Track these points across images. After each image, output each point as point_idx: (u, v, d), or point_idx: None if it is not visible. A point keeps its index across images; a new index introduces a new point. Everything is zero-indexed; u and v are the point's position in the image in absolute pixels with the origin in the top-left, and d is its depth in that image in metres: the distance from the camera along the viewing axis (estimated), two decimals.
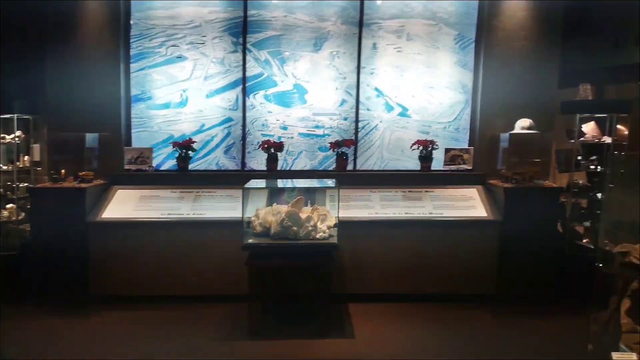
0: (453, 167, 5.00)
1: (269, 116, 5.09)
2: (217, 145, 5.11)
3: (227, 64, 5.01)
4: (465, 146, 5.12)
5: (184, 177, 4.84)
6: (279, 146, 4.85)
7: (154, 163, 4.94)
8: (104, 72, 4.80)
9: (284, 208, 3.89)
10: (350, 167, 5.07)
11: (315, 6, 4.96)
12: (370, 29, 5.00)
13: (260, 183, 4.43)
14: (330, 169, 5.09)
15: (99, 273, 4.32)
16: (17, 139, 4.51)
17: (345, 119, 5.10)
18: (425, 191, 4.83)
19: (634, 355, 2.21)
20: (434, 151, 4.95)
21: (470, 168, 5.01)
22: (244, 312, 3.88)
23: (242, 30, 4.95)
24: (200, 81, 5.00)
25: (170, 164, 5.03)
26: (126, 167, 4.85)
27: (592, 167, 4.60)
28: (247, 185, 4.05)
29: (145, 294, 4.36)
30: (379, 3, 4.97)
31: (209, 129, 5.06)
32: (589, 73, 5.72)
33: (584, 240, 4.70)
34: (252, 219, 3.97)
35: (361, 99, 5.07)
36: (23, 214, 4.59)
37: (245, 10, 4.92)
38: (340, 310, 4.25)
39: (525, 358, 3.45)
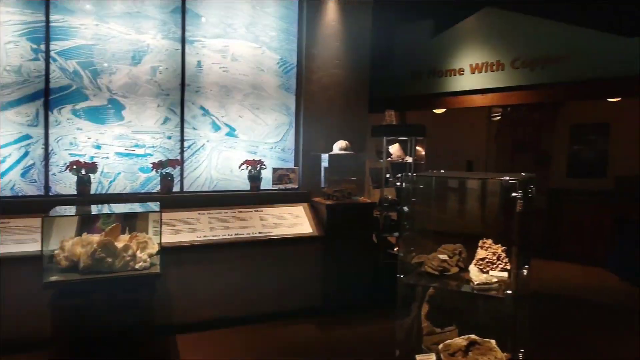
0: (281, 186, 5.12)
1: (79, 133, 4.52)
2: (12, 167, 4.32)
3: (26, 74, 4.31)
4: (292, 166, 5.30)
5: None
6: (91, 167, 4.33)
7: None
8: None
9: (95, 238, 3.45)
10: (176, 188, 4.80)
11: (132, 17, 4.62)
12: (193, 46, 4.86)
13: (69, 210, 3.87)
14: (154, 191, 4.74)
15: None
16: None
17: (169, 137, 4.83)
18: (255, 210, 4.84)
19: (433, 356, 2.50)
20: (262, 171, 5.00)
21: (297, 187, 5.20)
22: None
23: (44, 36, 4.33)
24: None
25: None
26: None
27: (398, 183, 5.21)
28: (51, 213, 3.49)
29: None
30: (203, 20, 4.88)
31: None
32: (393, 100, 6.53)
33: (395, 249, 5.25)
34: (56, 252, 3.43)
35: (186, 117, 4.87)
36: None
37: (47, 14, 4.32)
38: (166, 343, 3.93)
39: None
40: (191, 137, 4.92)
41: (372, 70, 6.15)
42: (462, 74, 6.16)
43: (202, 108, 4.94)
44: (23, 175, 4.35)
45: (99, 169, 4.47)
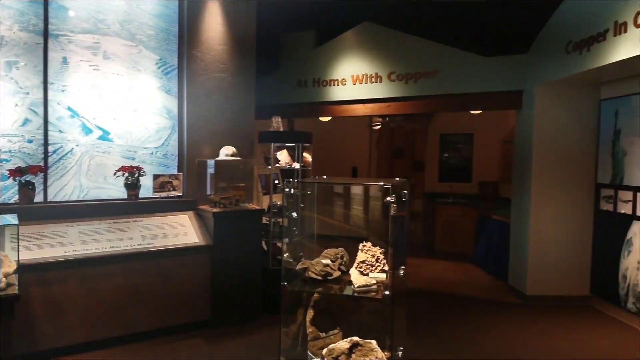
0: (163, 194, 4.84)
1: None
2: None
3: None
4: (175, 172, 5.05)
5: None
6: None
7: None
8: None
9: None
10: (39, 198, 4.28)
11: None
12: (58, 40, 4.40)
13: None
14: (12, 201, 4.18)
15: None
16: None
17: (30, 141, 4.30)
18: (134, 221, 4.51)
19: None
20: (141, 178, 4.68)
21: (181, 194, 4.96)
22: None
23: None
24: None
25: None
26: None
27: (287, 189, 5.23)
28: None
29: None
30: (71, 14, 4.44)
31: None
32: (280, 107, 6.57)
33: (285, 255, 5.25)
34: None
35: (51, 119, 4.38)
36: None
37: None
38: None
39: None
40: (57, 140, 4.43)
41: (259, 76, 6.12)
42: (345, 84, 6.41)
43: (70, 109, 4.48)
44: None
45: None
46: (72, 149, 4.51)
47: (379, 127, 8.57)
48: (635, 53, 3.80)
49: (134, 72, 4.80)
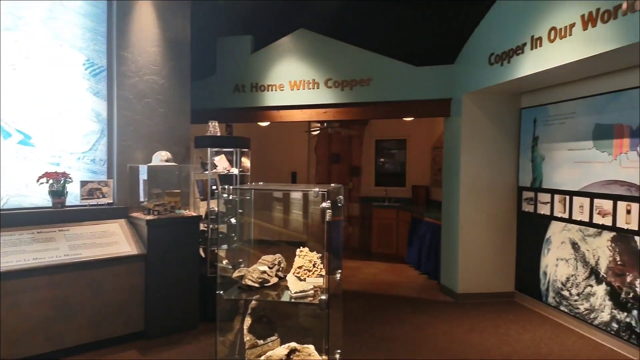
0: (92, 202, 4.61)
1: None
2: None
3: None
4: (105, 178, 4.82)
5: None
6: None
7: None
8: None
9: None
10: None
11: None
12: None
13: None
14: None
15: None
16: None
17: None
18: (60, 230, 4.26)
19: None
20: (67, 185, 4.43)
21: (111, 201, 4.75)
22: None
23: None
24: None
25: None
26: None
27: (225, 195, 5.16)
28: None
29: None
30: None
31: None
32: (218, 112, 6.48)
33: (224, 262, 5.17)
34: None
35: None
36: None
37: None
38: None
39: None
40: None
41: (195, 80, 6.00)
42: (283, 90, 6.44)
43: None
44: None
45: None
46: None
47: (317, 132, 8.67)
48: (549, 66, 4.14)
49: (58, 73, 4.54)
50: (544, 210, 5.27)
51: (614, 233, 4.27)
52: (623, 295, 4.16)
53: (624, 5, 3.27)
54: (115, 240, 4.44)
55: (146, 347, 4.22)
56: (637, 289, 4.00)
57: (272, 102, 6.49)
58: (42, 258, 3.92)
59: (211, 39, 6.76)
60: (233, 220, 5.14)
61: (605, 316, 4.37)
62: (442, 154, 6.53)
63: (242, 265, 2.90)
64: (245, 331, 2.65)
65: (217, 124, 5.21)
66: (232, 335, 2.76)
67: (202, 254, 5.07)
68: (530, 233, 5.53)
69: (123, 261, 4.31)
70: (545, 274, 5.26)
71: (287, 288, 2.58)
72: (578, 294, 4.73)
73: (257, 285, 2.56)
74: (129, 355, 4.06)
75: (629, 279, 4.10)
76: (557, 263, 5.05)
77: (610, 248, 4.32)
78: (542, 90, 5.34)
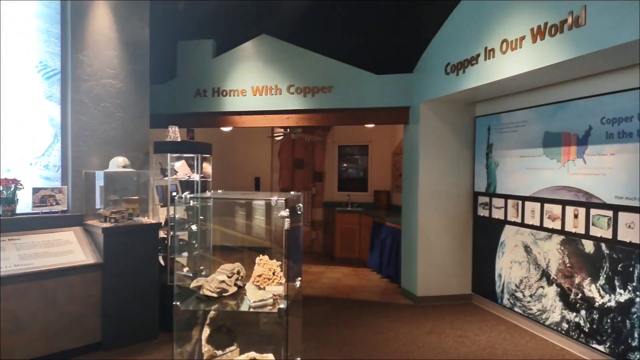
0: (44, 209, 4.44)
1: None
2: None
3: None
4: (59, 185, 4.66)
5: None
6: None
7: None
8: None
9: None
10: None
11: None
12: None
13: None
14: None
15: None
16: None
17: None
18: (10, 239, 4.08)
19: None
20: (18, 191, 4.25)
21: (65, 209, 4.59)
22: None
23: None
24: None
25: None
26: None
27: (185, 204, 5.08)
28: None
29: None
30: None
31: None
32: (179, 116, 6.38)
33: (185, 270, 5.09)
34: None
35: None
36: None
37: None
38: None
39: None
40: None
41: (155, 84, 5.89)
42: (245, 95, 6.41)
43: None
44: None
45: None
46: None
47: (280, 138, 8.67)
48: (501, 76, 4.31)
49: (8, 75, 4.36)
50: (498, 214, 5.47)
51: (563, 236, 4.48)
52: (572, 296, 4.37)
53: None
54: (69, 249, 4.29)
55: (103, 359, 4.10)
56: (585, 290, 4.22)
57: (234, 107, 6.45)
58: None
59: (172, 43, 6.67)
60: (194, 227, 5.10)
61: (556, 316, 4.57)
62: (401, 160, 6.67)
63: (203, 273, 2.87)
64: (203, 342, 2.62)
65: (177, 129, 5.14)
66: (191, 346, 2.73)
67: (162, 262, 4.97)
68: (486, 237, 5.72)
69: (78, 271, 4.17)
70: (500, 276, 5.45)
71: (246, 297, 2.57)
72: (531, 296, 4.93)
73: (215, 295, 2.54)
74: None
75: (577, 280, 4.31)
76: (511, 266, 5.25)
77: (559, 251, 4.53)
78: (496, 99, 5.55)
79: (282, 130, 8.48)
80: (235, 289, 2.63)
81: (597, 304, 4.08)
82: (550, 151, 4.67)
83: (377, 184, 9.02)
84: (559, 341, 4.54)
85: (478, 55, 4.64)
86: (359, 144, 9.22)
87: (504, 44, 4.25)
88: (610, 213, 3.95)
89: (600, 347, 4.05)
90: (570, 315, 4.38)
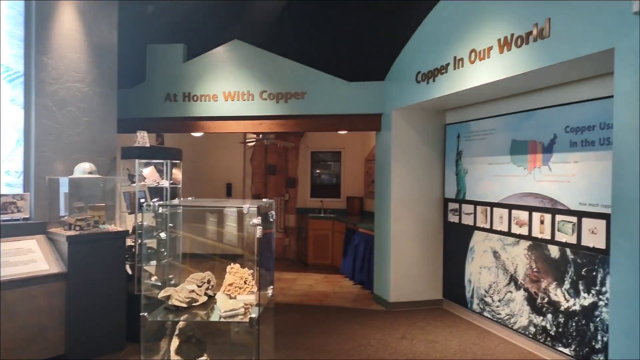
0: (5, 217, 4.26)
1: None
2: None
3: None
4: (20, 191, 4.48)
5: None
6: None
7: None
8: None
9: None
10: None
11: None
12: None
13: None
14: None
15: None
16: None
17: None
18: None
19: None
20: None
21: (27, 216, 4.41)
22: None
23: None
24: None
25: None
26: None
27: (153, 211, 4.96)
28: None
29: None
30: None
31: None
32: (148, 121, 6.24)
33: (153, 279, 4.97)
34: None
35: None
36: None
37: None
38: None
39: None
40: None
41: (123, 88, 5.75)
42: (217, 100, 6.34)
43: None
44: None
45: None
46: None
47: (252, 143, 8.61)
48: (470, 85, 4.40)
49: None
50: (468, 220, 5.57)
51: (530, 242, 4.59)
52: (539, 301, 4.47)
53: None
54: (31, 258, 4.13)
55: None
56: (551, 295, 4.32)
57: (205, 113, 6.37)
58: None
59: (141, 46, 6.53)
60: (163, 235, 4.98)
61: (523, 320, 4.67)
62: (374, 166, 6.71)
63: (173, 282, 2.80)
64: (172, 353, 2.55)
65: (146, 134, 5.03)
66: (159, 358, 2.65)
67: (130, 271, 4.84)
68: (456, 242, 5.81)
69: (40, 281, 4.01)
70: (470, 281, 5.54)
71: (217, 307, 2.52)
72: (499, 300, 5.03)
73: (185, 305, 2.48)
74: None
75: (543, 285, 4.42)
76: (480, 271, 5.34)
77: (527, 256, 4.63)
78: (465, 108, 5.67)
79: (255, 136, 8.42)
80: (205, 298, 2.57)
81: (562, 307, 4.19)
82: (517, 159, 4.79)
83: (350, 190, 9.05)
84: (527, 345, 4.64)
85: (448, 64, 4.73)
86: (331, 150, 9.24)
87: (473, 53, 4.34)
88: (574, 219, 4.08)
89: (566, 350, 4.16)
90: (537, 319, 4.48)
